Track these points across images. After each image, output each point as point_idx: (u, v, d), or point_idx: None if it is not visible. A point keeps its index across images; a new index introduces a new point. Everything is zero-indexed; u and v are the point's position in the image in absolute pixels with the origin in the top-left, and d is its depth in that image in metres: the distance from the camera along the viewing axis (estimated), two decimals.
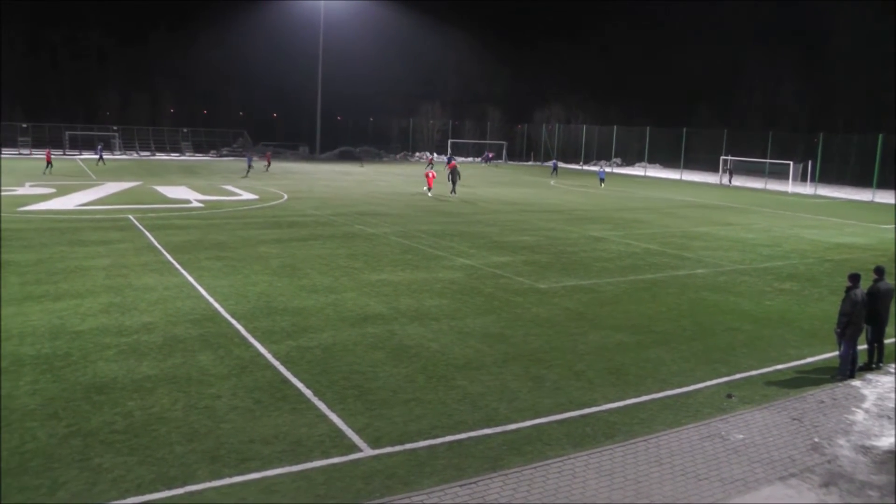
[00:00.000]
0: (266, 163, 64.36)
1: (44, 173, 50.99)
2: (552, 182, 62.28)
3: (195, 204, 35.90)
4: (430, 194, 44.78)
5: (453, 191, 45.79)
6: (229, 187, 45.56)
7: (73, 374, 11.72)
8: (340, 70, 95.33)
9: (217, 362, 12.54)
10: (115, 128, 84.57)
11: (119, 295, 16.86)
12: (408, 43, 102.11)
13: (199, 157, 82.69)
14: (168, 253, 22.27)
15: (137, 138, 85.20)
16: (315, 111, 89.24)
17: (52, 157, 55.84)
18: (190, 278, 18.91)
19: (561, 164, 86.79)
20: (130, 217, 29.78)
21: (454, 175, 46.13)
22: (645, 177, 74.24)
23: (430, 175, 46.31)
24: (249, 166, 59.08)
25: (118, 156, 75.83)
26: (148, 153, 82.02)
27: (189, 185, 45.76)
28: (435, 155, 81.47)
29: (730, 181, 67.77)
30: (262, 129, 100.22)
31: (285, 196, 40.91)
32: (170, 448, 9.29)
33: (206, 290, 17.71)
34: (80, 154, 74.95)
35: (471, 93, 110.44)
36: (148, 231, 26.29)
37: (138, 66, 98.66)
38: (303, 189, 46.05)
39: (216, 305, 16.30)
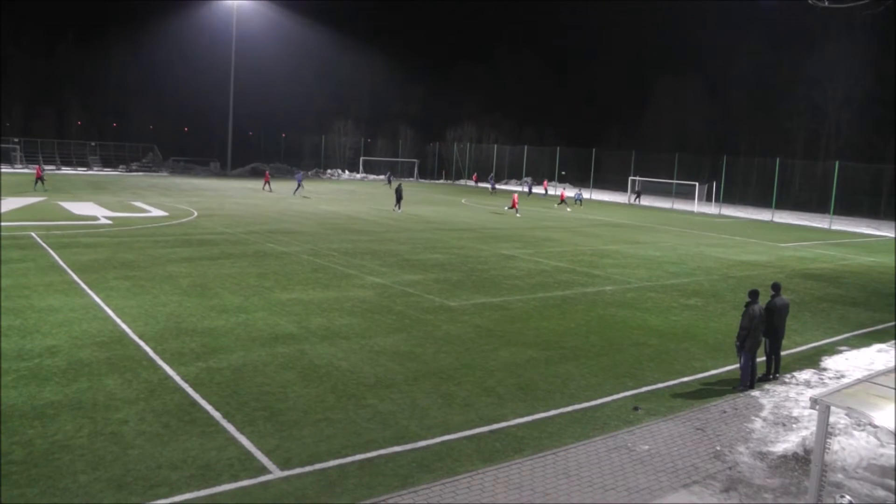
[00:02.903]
0: (265, 181, 63.61)
1: (35, 188, 50.47)
2: (472, 202, 62.77)
3: (103, 221, 34.87)
4: (518, 215, 48.43)
5: (398, 207, 47.88)
6: (139, 203, 44.42)
7: None
8: (252, 86, 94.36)
9: (124, 386, 12.22)
10: (15, 140, 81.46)
11: (19, 317, 16.23)
12: (321, 60, 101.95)
13: (108, 172, 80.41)
14: (74, 272, 21.55)
15: (41, 151, 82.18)
16: (226, 127, 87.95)
17: None
18: (97, 299, 18.35)
19: (471, 183, 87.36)
20: (33, 234, 28.70)
21: (399, 193, 48.74)
22: (556, 196, 75.49)
23: (515, 197, 50.82)
24: (299, 185, 59.07)
25: (19, 169, 73.03)
26: (53, 167, 79.11)
27: (97, 201, 44.42)
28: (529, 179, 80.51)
29: (638, 201, 69.86)
30: (172, 143, 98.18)
31: (195, 213, 40.15)
32: (73, 477, 8.99)
33: (113, 311, 17.23)
34: None
35: (384, 110, 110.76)
36: (52, 249, 25.39)
37: (43, 76, 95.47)
38: (213, 206, 45.27)
39: (124, 327, 15.88)
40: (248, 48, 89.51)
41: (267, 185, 62.75)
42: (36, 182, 52.14)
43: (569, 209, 57.62)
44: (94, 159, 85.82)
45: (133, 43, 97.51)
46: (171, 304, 18.17)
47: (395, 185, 50.74)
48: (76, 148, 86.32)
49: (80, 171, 79.72)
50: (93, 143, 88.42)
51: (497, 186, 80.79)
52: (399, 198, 48.52)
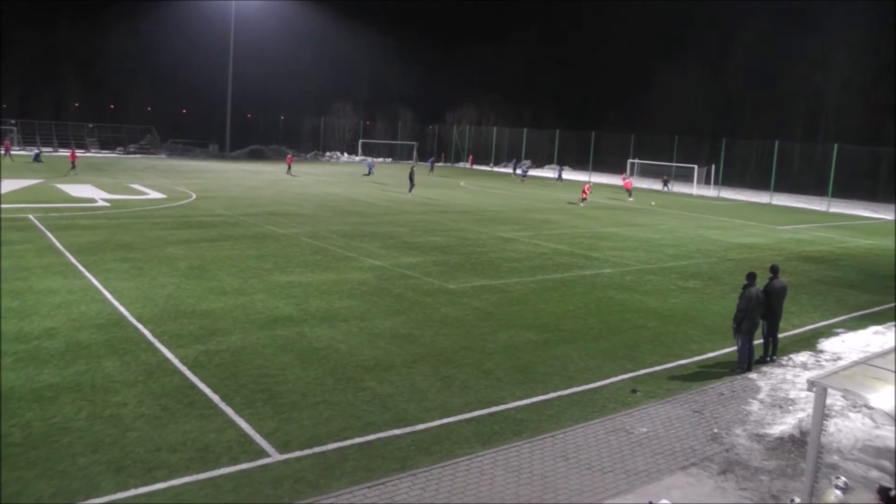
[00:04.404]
0: (287, 165, 63.64)
1: (68, 174, 50.25)
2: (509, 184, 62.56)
3: (101, 203, 34.80)
4: (581, 205, 47.20)
5: (411, 190, 48.34)
6: (137, 186, 44.34)
7: None
8: (251, 67, 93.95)
9: (123, 368, 12.22)
10: (13, 121, 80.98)
11: (18, 299, 16.20)
12: (320, 41, 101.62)
13: (106, 154, 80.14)
14: (71, 254, 21.51)
15: (39, 133, 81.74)
16: (225, 108, 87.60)
17: None
18: (95, 281, 18.33)
19: (475, 167, 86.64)
20: (31, 217, 28.61)
21: (412, 176, 49.47)
22: (555, 178, 75.32)
23: (587, 189, 49.43)
24: (370, 171, 60.28)
25: (17, 151, 72.63)
26: (50, 149, 78.58)
27: (95, 183, 44.31)
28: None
29: (668, 188, 67.79)
30: (171, 125, 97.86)
31: (194, 195, 40.08)
32: (72, 460, 8.99)
33: (111, 293, 17.21)
34: None
35: (383, 93, 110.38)
36: (50, 231, 25.34)
37: (41, 58, 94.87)
38: (212, 188, 45.19)
39: (122, 309, 15.87)
40: (247, 29, 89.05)
41: (290, 169, 62.48)
42: (71, 167, 52.35)
43: (630, 199, 53.10)
44: (92, 141, 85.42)
45: (131, 23, 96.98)
46: (169, 287, 18.16)
47: (409, 167, 51.64)
48: (74, 129, 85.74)
49: (78, 152, 78.91)
50: (90, 125, 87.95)
51: (529, 173, 76.57)
52: (412, 181, 49.14)
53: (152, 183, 46.78)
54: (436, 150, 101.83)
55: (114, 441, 9.56)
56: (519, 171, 76.32)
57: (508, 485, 9.04)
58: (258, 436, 9.94)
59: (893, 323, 18.80)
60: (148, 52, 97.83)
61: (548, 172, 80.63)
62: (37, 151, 63.38)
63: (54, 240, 23.83)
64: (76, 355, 12.72)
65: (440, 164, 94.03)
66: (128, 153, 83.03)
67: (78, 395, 10.98)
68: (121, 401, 10.88)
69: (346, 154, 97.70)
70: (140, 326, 14.67)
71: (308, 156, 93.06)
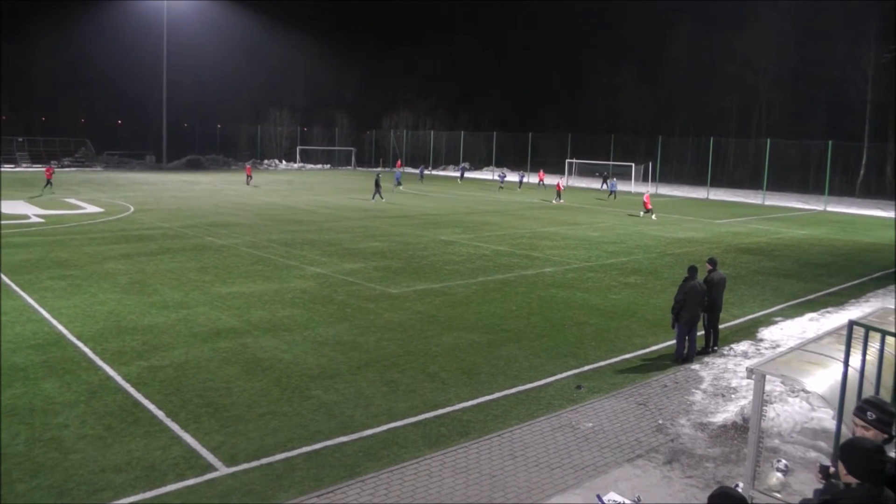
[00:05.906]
0: (247, 175, 62.54)
1: (42, 192, 47.59)
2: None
3: (34, 219, 33.90)
4: (561, 201, 48.88)
5: (379, 196, 47.75)
6: (73, 200, 43.35)
7: None
8: (186, 75, 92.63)
9: (63, 389, 11.94)
10: None
11: None
12: (255, 48, 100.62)
13: (38, 168, 77.95)
14: (4, 274, 20.88)
15: None
16: (161, 118, 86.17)
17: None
18: (31, 300, 17.85)
19: (409, 170, 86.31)
20: None
21: (378, 183, 48.85)
22: (493, 180, 75.75)
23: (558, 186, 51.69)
24: (398, 183, 59.42)
25: None
26: None
27: (27, 199, 43.22)
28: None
29: (606, 184, 68.04)
30: (106, 137, 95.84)
31: (132, 208, 39.37)
32: (10, 487, 8.74)
33: (49, 312, 16.80)
34: None
35: (319, 99, 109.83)
36: None
37: None
38: (150, 200, 44.45)
39: (61, 328, 15.50)
40: (181, 37, 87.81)
41: (250, 179, 61.62)
42: (46, 184, 49.52)
43: (562, 201, 51.04)
44: (23, 155, 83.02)
45: (60, 32, 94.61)
46: (109, 303, 17.81)
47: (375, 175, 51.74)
48: (2, 144, 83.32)
49: (7, 168, 77.09)
50: (20, 139, 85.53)
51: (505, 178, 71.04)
52: (378, 187, 48.62)
53: (89, 197, 45.80)
54: (374, 155, 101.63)
55: (55, 464, 9.34)
56: (496, 178, 72.37)
57: (457, 486, 9.10)
58: (205, 450, 9.83)
59: (827, 309, 19.47)
60: (79, 62, 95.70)
61: (488, 175, 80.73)
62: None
63: None
64: (12, 378, 12.34)
65: (379, 169, 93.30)
66: (62, 167, 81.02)
67: (15, 420, 10.67)
68: (62, 422, 10.63)
69: (284, 161, 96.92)
70: (80, 345, 14.35)
71: (247, 164, 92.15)
